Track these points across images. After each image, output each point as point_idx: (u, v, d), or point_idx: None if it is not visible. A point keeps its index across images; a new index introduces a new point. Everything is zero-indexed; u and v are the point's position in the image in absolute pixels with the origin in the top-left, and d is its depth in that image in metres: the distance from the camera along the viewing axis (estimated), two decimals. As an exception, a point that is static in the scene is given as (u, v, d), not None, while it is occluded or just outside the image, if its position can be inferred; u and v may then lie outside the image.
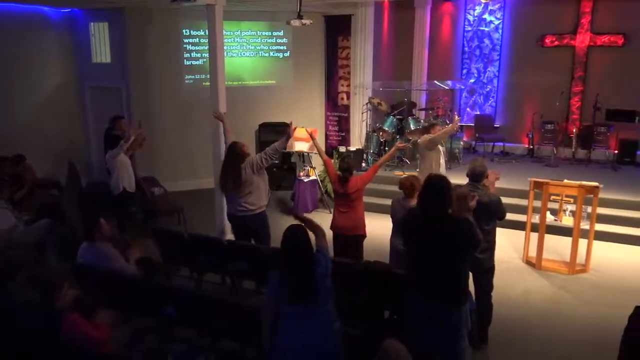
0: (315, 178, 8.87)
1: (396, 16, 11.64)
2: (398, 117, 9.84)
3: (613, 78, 10.23)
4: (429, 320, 3.54)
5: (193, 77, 9.84)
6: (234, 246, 5.47)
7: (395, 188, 5.39)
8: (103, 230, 4.48)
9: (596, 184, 6.43)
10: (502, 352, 4.68)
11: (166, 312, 4.13)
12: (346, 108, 10.35)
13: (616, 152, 9.96)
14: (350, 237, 5.38)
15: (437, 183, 3.50)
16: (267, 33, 10.20)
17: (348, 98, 10.29)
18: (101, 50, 9.58)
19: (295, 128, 5.79)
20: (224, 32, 7.18)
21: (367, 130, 10.12)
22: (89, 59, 9.65)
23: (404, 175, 5.25)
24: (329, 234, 5.40)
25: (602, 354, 4.42)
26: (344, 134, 10.46)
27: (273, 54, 10.34)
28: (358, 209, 5.37)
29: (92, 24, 9.49)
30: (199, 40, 9.71)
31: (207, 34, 7.27)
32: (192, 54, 9.77)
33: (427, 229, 3.46)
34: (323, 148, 10.33)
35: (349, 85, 10.22)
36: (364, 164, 9.57)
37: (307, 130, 6.22)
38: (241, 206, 5.41)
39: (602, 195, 6.59)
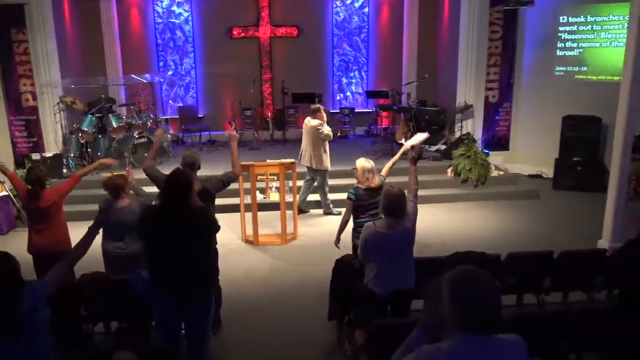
0: (7, 193, 7.70)
1: (79, 8, 10.77)
2: (97, 115, 9.24)
3: (293, 65, 11.59)
4: (179, 316, 3.56)
5: None
6: None
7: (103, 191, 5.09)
8: None
9: (293, 160, 7.26)
10: (236, 329, 4.93)
11: None
12: (34, 110, 9.17)
13: (305, 130, 11.38)
14: (56, 255, 4.81)
15: (180, 179, 3.52)
16: None
17: (35, 99, 9.13)
18: None
19: None
20: None
21: (63, 133, 9.22)
22: None
23: (108, 176, 5.01)
24: (28, 257, 4.79)
25: (319, 303, 5.03)
26: (35, 139, 9.26)
27: None
28: (58, 223, 4.85)
29: None
30: None
31: None
32: None
33: (173, 224, 3.42)
34: (12, 158, 9.04)
35: (33, 85, 9.07)
36: (65, 170, 8.73)
37: None
38: None
39: (299, 169, 7.48)
